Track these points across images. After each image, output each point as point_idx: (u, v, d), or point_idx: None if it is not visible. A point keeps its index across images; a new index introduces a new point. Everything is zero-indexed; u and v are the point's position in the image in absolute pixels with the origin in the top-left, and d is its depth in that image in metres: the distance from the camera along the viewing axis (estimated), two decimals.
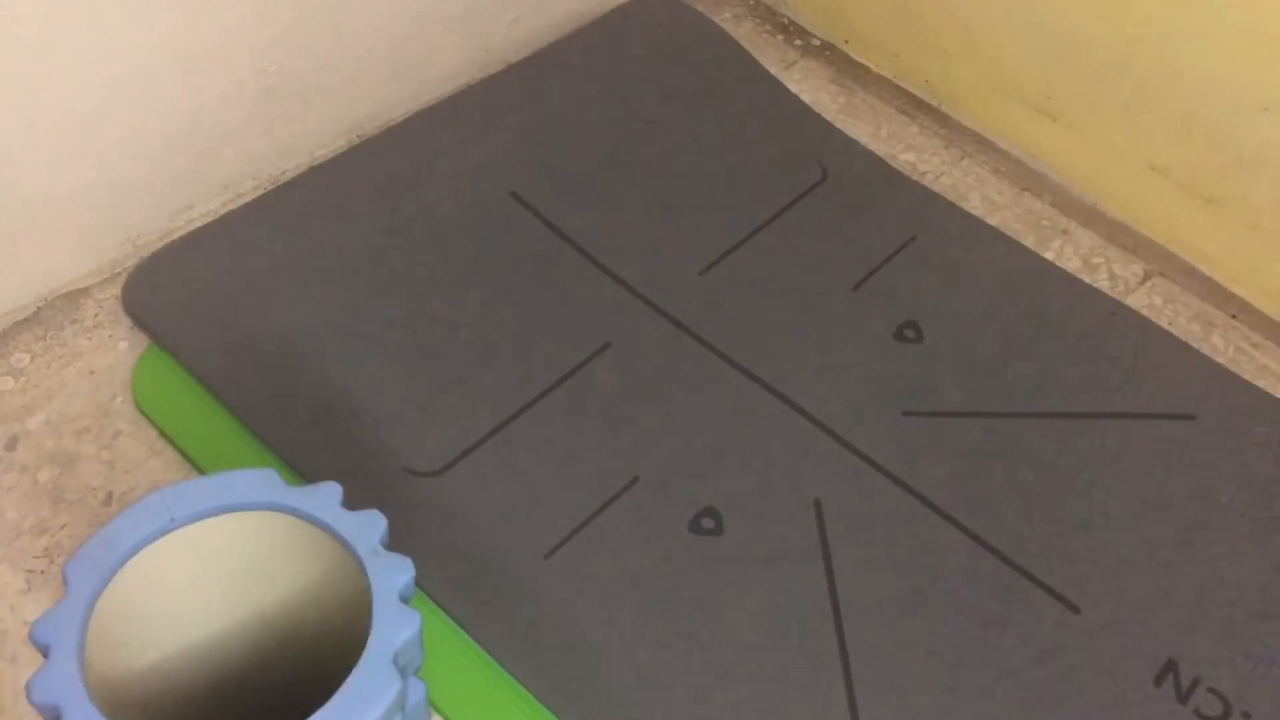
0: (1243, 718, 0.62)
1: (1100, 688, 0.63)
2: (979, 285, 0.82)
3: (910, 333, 0.78)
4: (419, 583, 0.52)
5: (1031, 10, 0.84)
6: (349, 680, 0.45)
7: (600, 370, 0.75)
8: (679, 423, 0.73)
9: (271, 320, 0.75)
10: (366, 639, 0.46)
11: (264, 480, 0.50)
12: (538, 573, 0.66)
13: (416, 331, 0.76)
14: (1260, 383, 0.78)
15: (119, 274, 0.79)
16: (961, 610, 0.66)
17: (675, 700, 0.62)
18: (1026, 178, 0.91)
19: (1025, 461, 0.72)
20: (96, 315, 0.77)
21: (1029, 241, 0.86)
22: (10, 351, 0.75)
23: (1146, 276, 0.85)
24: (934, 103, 0.96)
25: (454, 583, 0.65)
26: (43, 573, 0.65)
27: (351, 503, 0.50)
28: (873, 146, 0.92)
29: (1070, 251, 0.86)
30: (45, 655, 0.45)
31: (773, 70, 0.97)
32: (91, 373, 0.74)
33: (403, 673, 0.46)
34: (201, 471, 0.69)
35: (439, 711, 0.61)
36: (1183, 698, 0.63)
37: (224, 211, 0.82)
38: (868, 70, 0.99)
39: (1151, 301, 0.83)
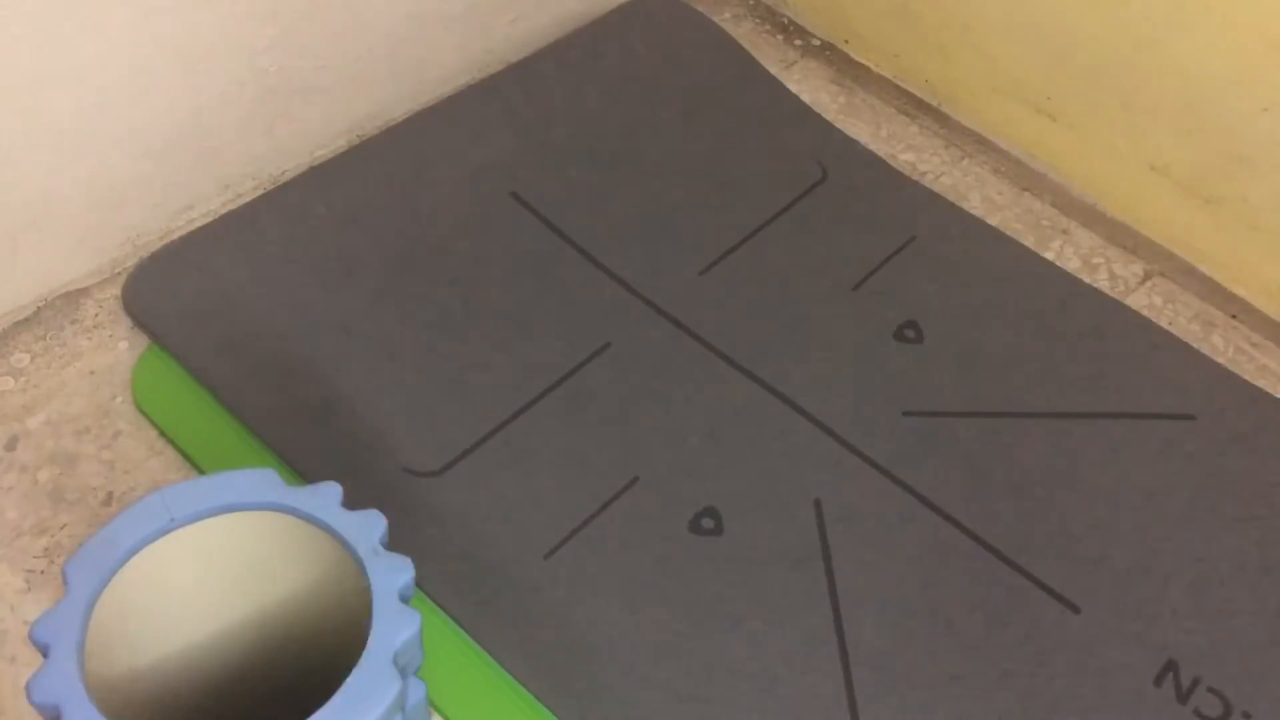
0: (1243, 718, 0.62)
1: (1100, 688, 0.63)
2: (979, 285, 0.82)
3: (910, 333, 0.78)
4: (419, 583, 0.52)
5: (1031, 10, 0.84)
6: (349, 680, 0.45)
7: (600, 370, 0.75)
8: (679, 423, 0.73)
9: (271, 320, 0.75)
10: (366, 639, 0.46)
11: (264, 480, 0.50)
12: (538, 573, 0.66)
13: (417, 331, 0.76)
14: (1260, 383, 0.78)
15: (119, 274, 0.79)
16: (961, 610, 0.66)
17: (675, 700, 0.62)
18: (1026, 178, 0.91)
19: (1025, 461, 0.72)
20: (96, 315, 0.77)
21: (1029, 241, 0.86)
22: (10, 351, 0.75)
23: (1146, 276, 0.85)
24: (934, 103, 0.96)
25: (454, 583, 0.65)
26: (42, 573, 0.65)
27: (351, 503, 0.50)
28: (873, 146, 0.92)
29: (1070, 251, 0.86)
30: (45, 655, 0.45)
31: (773, 70, 0.96)
32: (91, 373, 0.74)
33: (403, 673, 0.46)
34: (201, 471, 0.69)
35: (439, 711, 0.61)
36: (1183, 698, 0.63)
37: (224, 211, 0.82)
38: (868, 70, 0.99)
39: (1151, 301, 0.83)
